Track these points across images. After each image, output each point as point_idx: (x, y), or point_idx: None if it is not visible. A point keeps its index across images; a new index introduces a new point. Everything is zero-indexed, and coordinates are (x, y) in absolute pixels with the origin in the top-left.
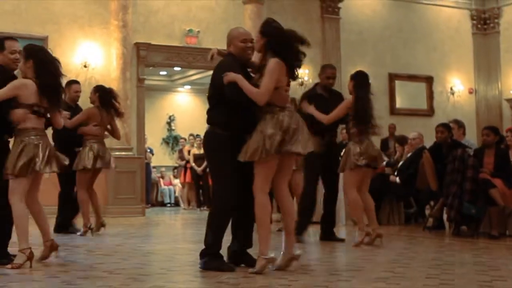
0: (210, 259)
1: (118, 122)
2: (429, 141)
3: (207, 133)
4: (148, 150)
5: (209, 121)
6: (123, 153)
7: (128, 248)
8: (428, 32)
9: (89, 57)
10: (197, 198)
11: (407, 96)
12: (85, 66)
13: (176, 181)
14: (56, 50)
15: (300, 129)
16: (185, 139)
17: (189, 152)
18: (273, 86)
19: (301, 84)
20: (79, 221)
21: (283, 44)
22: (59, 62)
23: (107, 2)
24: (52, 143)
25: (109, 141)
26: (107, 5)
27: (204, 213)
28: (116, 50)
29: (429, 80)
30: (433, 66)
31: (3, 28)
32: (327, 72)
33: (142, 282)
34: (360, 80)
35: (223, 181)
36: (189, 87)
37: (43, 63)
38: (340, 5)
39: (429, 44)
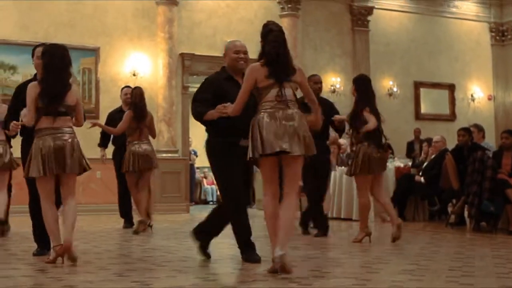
0: (241, 251)
1: (164, 126)
2: (451, 144)
3: (206, 142)
4: (192, 152)
5: (206, 130)
6: (169, 155)
7: (174, 243)
8: (451, 44)
9: (138, 67)
10: None
11: (431, 102)
12: (134, 75)
13: None
14: (107, 60)
15: (289, 129)
16: None
17: None
18: (245, 94)
19: (333, 91)
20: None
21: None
22: (68, 64)
23: (154, 16)
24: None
25: (156, 144)
26: (154, 19)
27: None
28: (162, 60)
29: (451, 88)
30: (455, 75)
31: (59, 39)
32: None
33: (186, 273)
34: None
35: (227, 183)
36: None
37: (48, 64)
38: (369, 18)
39: (451, 55)
